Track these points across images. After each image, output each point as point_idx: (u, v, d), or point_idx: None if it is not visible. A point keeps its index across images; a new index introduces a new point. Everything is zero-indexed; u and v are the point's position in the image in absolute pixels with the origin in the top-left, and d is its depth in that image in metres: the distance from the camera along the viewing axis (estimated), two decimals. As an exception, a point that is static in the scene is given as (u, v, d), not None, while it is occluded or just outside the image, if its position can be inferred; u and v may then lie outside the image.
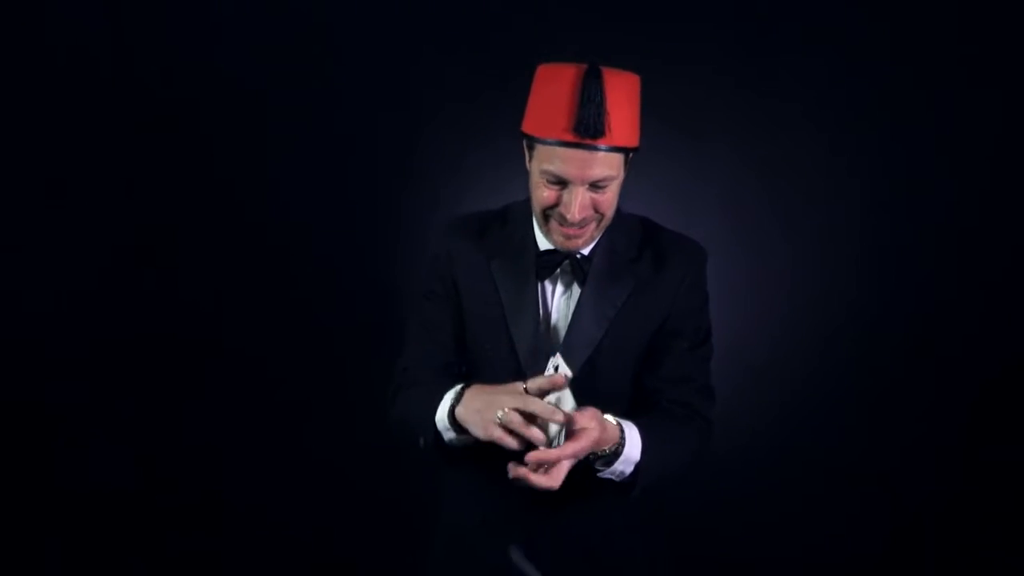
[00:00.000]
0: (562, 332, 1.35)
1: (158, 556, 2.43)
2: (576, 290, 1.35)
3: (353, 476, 2.38)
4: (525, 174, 1.32)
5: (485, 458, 1.36)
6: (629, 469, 1.24)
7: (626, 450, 1.22)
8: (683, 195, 2.22)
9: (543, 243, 1.36)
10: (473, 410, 1.20)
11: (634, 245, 1.39)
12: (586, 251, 1.36)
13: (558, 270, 1.35)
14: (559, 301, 1.37)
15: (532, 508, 1.36)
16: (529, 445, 1.14)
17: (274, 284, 2.37)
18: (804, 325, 2.29)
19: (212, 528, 2.44)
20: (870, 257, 2.27)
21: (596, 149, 1.21)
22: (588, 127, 1.20)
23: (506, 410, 1.14)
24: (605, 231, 1.36)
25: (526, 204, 1.40)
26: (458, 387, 1.25)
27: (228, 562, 2.44)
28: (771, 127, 2.25)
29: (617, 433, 1.22)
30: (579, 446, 1.14)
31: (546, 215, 1.29)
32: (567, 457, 1.14)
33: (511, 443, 1.14)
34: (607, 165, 1.23)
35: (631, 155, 1.30)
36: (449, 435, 1.26)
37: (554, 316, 1.36)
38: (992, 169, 2.21)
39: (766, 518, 2.31)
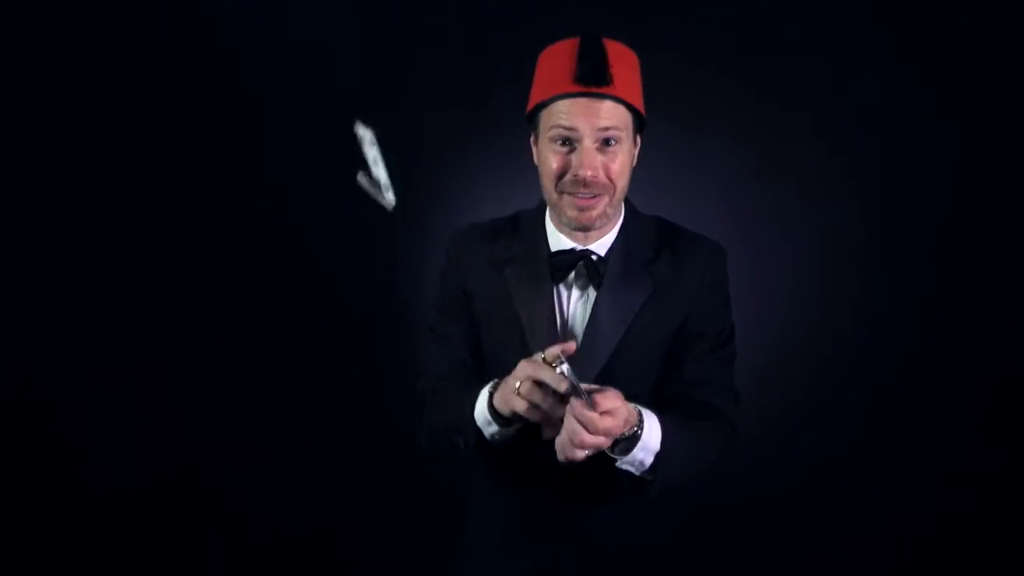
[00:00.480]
0: (579, 337, 1.31)
1: (158, 556, 2.43)
2: (592, 293, 1.32)
3: (354, 475, 2.38)
4: (527, 174, 1.32)
5: (512, 473, 1.35)
6: (649, 459, 1.19)
7: (644, 434, 1.18)
8: (683, 194, 2.22)
9: (556, 243, 1.34)
10: (500, 391, 1.18)
11: (651, 246, 1.35)
12: (602, 252, 1.33)
13: (572, 273, 1.32)
14: (575, 305, 1.33)
15: (558, 523, 1.34)
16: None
17: (274, 283, 2.37)
18: (806, 325, 2.29)
19: (212, 528, 2.44)
20: (872, 257, 2.27)
21: (601, 97, 1.21)
22: (590, 74, 1.20)
23: (520, 382, 1.12)
24: (620, 231, 1.34)
25: (537, 210, 1.39)
26: (495, 380, 1.22)
27: (228, 563, 2.44)
28: (772, 126, 2.25)
29: (636, 416, 1.17)
30: (615, 422, 1.11)
31: (559, 190, 1.27)
32: (603, 432, 1.11)
33: (532, 414, 1.13)
34: (614, 115, 1.23)
35: (639, 130, 1.29)
36: (491, 429, 1.22)
37: (570, 321, 1.32)
38: (994, 168, 2.21)
39: (767, 518, 2.31)
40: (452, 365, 1.35)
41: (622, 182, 1.28)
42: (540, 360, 1.12)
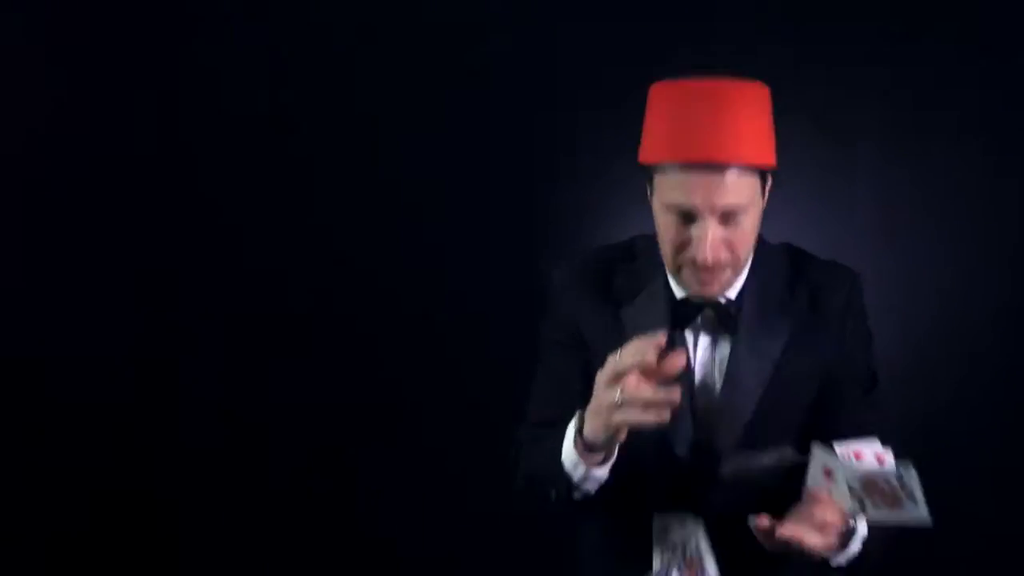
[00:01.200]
0: (713, 391, 1.16)
1: (158, 556, 2.43)
2: (723, 341, 1.16)
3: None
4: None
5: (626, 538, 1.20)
6: (857, 547, 1.08)
7: (859, 526, 1.06)
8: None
9: (679, 290, 1.18)
10: (592, 416, 1.02)
11: (784, 282, 1.20)
12: (732, 294, 1.17)
13: (699, 318, 1.16)
14: (703, 355, 1.17)
15: None
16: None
17: (272, 291, 2.36)
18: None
19: (212, 528, 2.43)
20: (877, 259, 2.27)
21: (723, 168, 1.03)
22: (710, 144, 1.03)
23: (619, 388, 0.95)
24: (751, 269, 1.18)
25: (654, 240, 1.17)
26: (579, 412, 1.06)
27: (228, 562, 2.44)
28: (783, 128, 2.24)
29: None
30: (827, 541, 0.99)
31: (676, 261, 1.11)
32: (819, 547, 0.99)
33: (643, 418, 0.95)
34: (738, 190, 1.05)
35: (768, 180, 1.11)
36: (579, 471, 1.06)
37: (699, 372, 1.16)
38: (996, 168, 2.21)
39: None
40: (563, 404, 1.14)
41: (746, 251, 1.13)
42: (617, 358, 0.96)
